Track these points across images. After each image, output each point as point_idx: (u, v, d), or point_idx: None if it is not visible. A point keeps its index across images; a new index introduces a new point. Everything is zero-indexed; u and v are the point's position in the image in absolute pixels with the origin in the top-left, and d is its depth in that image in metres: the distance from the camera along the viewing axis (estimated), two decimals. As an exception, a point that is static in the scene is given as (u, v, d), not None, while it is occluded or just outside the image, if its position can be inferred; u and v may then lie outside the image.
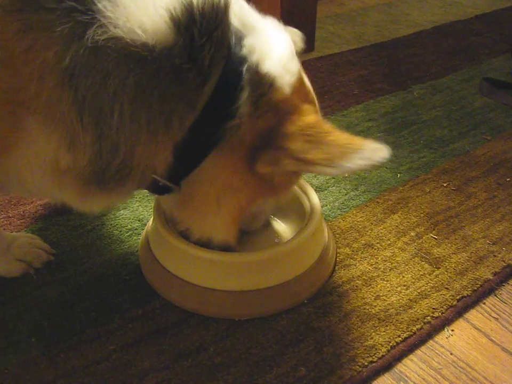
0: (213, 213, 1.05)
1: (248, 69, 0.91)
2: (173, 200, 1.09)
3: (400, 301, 1.19)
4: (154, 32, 0.81)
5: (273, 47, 0.95)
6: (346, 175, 0.93)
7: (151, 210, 1.41)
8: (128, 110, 0.84)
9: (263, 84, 0.92)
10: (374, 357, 1.07)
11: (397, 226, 1.40)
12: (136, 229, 1.36)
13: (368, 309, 1.17)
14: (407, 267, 1.28)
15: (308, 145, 0.90)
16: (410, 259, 1.30)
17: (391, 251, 1.32)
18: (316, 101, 1.06)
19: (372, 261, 1.29)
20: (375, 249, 1.33)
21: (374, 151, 0.87)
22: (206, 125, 0.92)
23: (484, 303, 1.21)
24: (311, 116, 0.96)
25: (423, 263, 1.29)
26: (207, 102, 0.90)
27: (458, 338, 1.13)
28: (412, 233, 1.38)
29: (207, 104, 0.90)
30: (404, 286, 1.23)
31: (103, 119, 0.84)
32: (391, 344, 1.10)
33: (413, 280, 1.24)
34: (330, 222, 1.41)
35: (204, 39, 0.85)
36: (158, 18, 0.82)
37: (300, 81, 1.00)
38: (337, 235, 1.37)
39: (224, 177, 0.99)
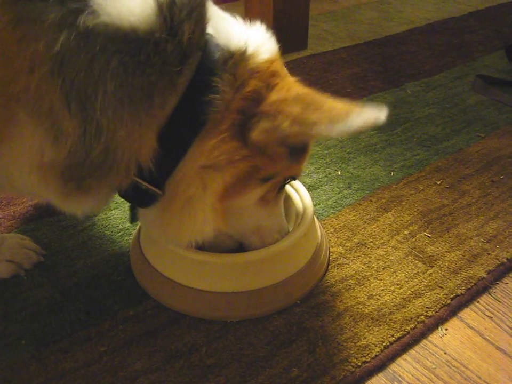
0: (199, 200, 0.98)
1: (225, 47, 0.93)
2: (156, 212, 1.03)
3: (394, 300, 1.18)
4: (140, 14, 0.83)
5: (237, 26, 0.99)
6: (343, 137, 0.90)
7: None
8: (110, 88, 0.83)
9: (235, 53, 0.93)
10: (367, 357, 1.06)
11: (390, 224, 1.40)
12: (128, 229, 1.35)
13: (361, 309, 1.16)
14: (400, 266, 1.27)
15: (307, 109, 0.88)
16: (404, 258, 1.29)
17: (384, 250, 1.32)
18: None
19: (365, 260, 1.29)
20: (368, 248, 1.32)
21: (372, 112, 0.85)
22: (190, 107, 0.91)
23: (478, 302, 1.21)
24: (302, 87, 0.97)
25: (417, 261, 1.28)
26: (189, 83, 0.90)
27: (452, 337, 1.12)
28: (405, 232, 1.37)
29: (189, 85, 0.90)
30: (397, 285, 1.22)
31: (88, 102, 0.83)
32: (384, 343, 1.09)
33: (407, 279, 1.24)
34: (323, 220, 1.40)
35: (183, 15, 0.86)
36: (145, 3, 0.84)
37: (278, 57, 1.01)
38: (330, 234, 1.36)
39: (207, 157, 0.95)
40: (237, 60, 0.93)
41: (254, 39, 0.97)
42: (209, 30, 0.94)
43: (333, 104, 0.88)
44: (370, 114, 0.85)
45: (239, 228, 1.13)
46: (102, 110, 0.84)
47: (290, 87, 0.96)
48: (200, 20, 0.90)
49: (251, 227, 1.14)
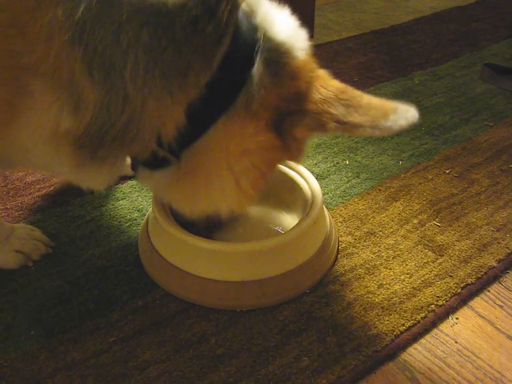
0: (223, 180, 1.01)
1: (263, 37, 0.92)
2: (166, 177, 1.04)
3: (404, 289, 1.18)
4: None
5: (282, 16, 0.98)
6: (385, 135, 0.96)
7: (150, 200, 1.39)
8: (142, 62, 0.83)
9: (280, 52, 0.93)
10: (378, 346, 1.06)
11: (399, 214, 1.39)
12: (136, 219, 1.35)
13: (371, 298, 1.16)
14: (410, 255, 1.26)
15: (349, 109, 0.92)
16: (414, 247, 1.29)
17: (393, 239, 1.31)
18: None
19: (374, 249, 1.28)
20: (377, 237, 1.31)
21: (407, 111, 0.90)
22: (222, 85, 0.91)
23: (489, 291, 1.20)
24: (335, 81, 0.98)
25: (427, 250, 1.28)
26: (223, 61, 0.89)
27: (463, 326, 1.12)
28: (415, 221, 1.37)
29: (223, 63, 0.89)
30: (408, 274, 1.21)
31: (115, 72, 0.83)
32: (395, 333, 1.08)
33: (417, 268, 1.23)
34: (332, 210, 1.39)
35: None
36: None
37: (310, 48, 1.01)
38: (339, 223, 1.35)
39: (237, 142, 0.96)
40: (280, 59, 0.93)
41: (298, 33, 0.98)
42: (256, 10, 0.94)
43: (370, 102, 0.92)
44: (405, 114, 0.89)
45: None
46: (131, 81, 0.84)
47: (327, 83, 0.97)
48: None
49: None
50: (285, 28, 0.95)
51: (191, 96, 0.89)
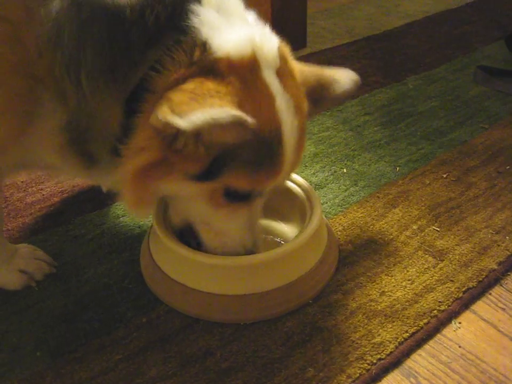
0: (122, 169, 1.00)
1: (192, 40, 0.91)
2: None
3: (406, 295, 1.18)
4: None
5: (227, 30, 0.94)
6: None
7: (151, 216, 1.39)
8: (90, 57, 0.88)
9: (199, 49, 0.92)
10: (382, 353, 1.06)
11: (398, 220, 1.40)
12: (137, 237, 1.35)
13: (374, 306, 1.16)
14: (411, 261, 1.27)
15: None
16: (414, 253, 1.29)
17: (394, 246, 1.31)
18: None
19: (375, 256, 1.29)
20: (377, 244, 1.32)
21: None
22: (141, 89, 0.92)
23: (490, 294, 1.20)
24: (209, 83, 0.90)
25: (427, 256, 1.28)
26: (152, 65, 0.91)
27: (466, 330, 1.12)
28: (414, 227, 1.37)
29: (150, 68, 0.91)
30: (409, 280, 1.22)
31: (77, 69, 0.89)
32: (398, 340, 1.09)
33: (418, 274, 1.24)
34: (331, 219, 1.40)
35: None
36: None
37: (249, 74, 0.94)
38: (338, 232, 1.36)
39: (137, 137, 0.96)
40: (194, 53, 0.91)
41: (228, 42, 0.93)
42: (198, 17, 0.92)
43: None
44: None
45: (185, 213, 1.12)
46: (86, 77, 0.89)
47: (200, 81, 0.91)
48: (175, 5, 0.90)
49: (197, 218, 1.11)
50: (222, 38, 0.94)
51: (125, 94, 0.93)
